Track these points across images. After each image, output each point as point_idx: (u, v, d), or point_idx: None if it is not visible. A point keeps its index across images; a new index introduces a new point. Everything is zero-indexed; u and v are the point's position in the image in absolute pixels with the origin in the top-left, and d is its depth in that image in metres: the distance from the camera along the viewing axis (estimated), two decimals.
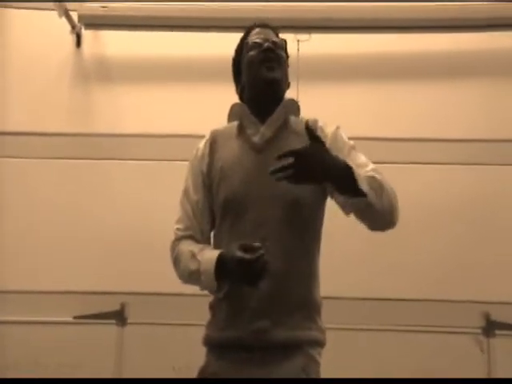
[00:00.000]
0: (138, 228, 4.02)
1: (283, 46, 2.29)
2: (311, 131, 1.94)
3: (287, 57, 2.32)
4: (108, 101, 4.25)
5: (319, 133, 2.08)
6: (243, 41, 2.31)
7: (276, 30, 2.33)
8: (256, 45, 2.23)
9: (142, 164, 4.09)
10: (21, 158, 4.17)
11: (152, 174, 4.08)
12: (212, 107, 3.99)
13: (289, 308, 2.07)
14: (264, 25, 2.32)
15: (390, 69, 4.22)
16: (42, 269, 4.04)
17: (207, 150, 2.24)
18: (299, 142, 2.02)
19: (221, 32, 4.11)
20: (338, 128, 2.25)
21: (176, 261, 2.18)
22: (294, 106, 2.27)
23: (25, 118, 4.19)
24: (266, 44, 2.21)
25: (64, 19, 4.12)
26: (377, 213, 2.06)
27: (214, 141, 2.26)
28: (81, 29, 4.26)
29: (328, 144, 2.08)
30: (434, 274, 3.99)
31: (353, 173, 1.96)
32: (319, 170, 1.94)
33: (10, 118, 4.20)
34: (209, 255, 2.08)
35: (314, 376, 2.08)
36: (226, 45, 4.11)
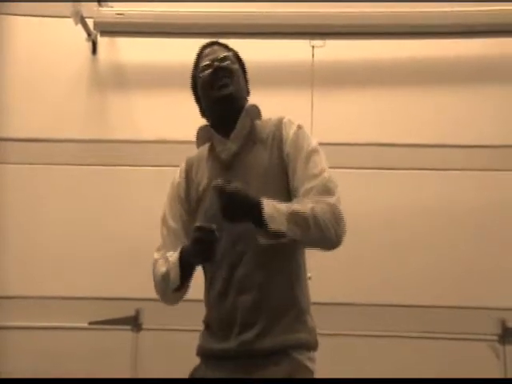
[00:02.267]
0: (153, 234, 4.01)
1: (233, 57, 2.33)
2: (218, 190, 1.96)
3: (242, 65, 2.37)
4: (124, 107, 4.26)
5: (283, 130, 2.19)
6: (196, 65, 2.35)
7: (224, 45, 2.38)
8: (206, 67, 2.27)
9: (158, 170, 4.09)
10: (38, 164, 4.19)
11: (168, 181, 4.08)
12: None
13: (274, 316, 2.10)
14: (212, 43, 2.38)
15: (405, 75, 4.22)
16: (58, 275, 4.06)
17: (183, 176, 2.32)
18: (265, 149, 2.18)
19: (236, 38, 4.09)
20: (299, 128, 2.24)
21: (154, 279, 2.32)
22: (255, 111, 2.29)
23: (42, 124, 4.22)
24: (215, 64, 2.24)
25: (80, 26, 4.14)
26: (308, 244, 2.12)
27: (189, 167, 2.33)
28: (96, 36, 4.28)
29: (288, 145, 2.16)
30: (449, 281, 3.97)
31: (264, 219, 1.97)
32: (239, 212, 1.98)
33: (26, 125, 4.23)
34: (175, 253, 2.19)
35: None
36: (242, 51, 4.19)
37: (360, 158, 4.11)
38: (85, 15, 4.13)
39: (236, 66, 2.30)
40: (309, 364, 2.13)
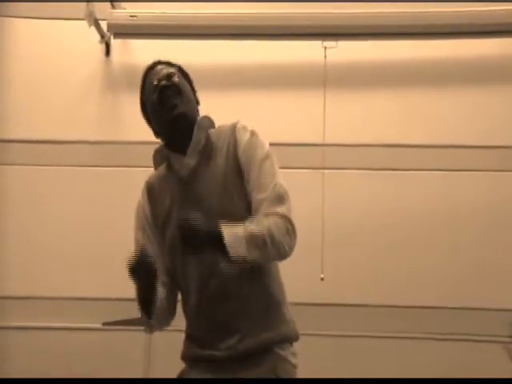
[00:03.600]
0: None
1: (178, 72, 2.32)
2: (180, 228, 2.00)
3: (188, 78, 2.37)
4: (136, 109, 4.21)
5: (237, 135, 2.19)
6: (142, 87, 2.35)
7: (167, 62, 2.37)
8: (152, 86, 2.27)
9: None
10: (49, 165, 4.21)
11: None
12: (238, 114, 4.04)
13: (253, 319, 2.12)
14: (154, 64, 2.35)
15: (418, 76, 4.21)
16: (71, 275, 4.08)
17: (146, 200, 2.33)
18: (221, 158, 2.19)
19: (250, 40, 4.12)
20: (253, 135, 2.22)
21: None
22: (208, 122, 2.30)
23: (55, 126, 4.24)
24: (162, 83, 2.23)
25: (93, 29, 4.16)
26: (265, 261, 2.13)
27: (150, 189, 2.33)
28: (110, 38, 4.29)
29: (241, 151, 2.17)
30: (462, 282, 3.97)
31: (223, 245, 1.98)
32: (200, 246, 2.01)
33: (39, 127, 4.25)
34: None
35: (285, 376, 2.12)
36: (254, 52, 4.21)
37: (371, 160, 4.11)
38: (98, 17, 4.14)
39: (182, 81, 2.29)
40: (291, 359, 2.17)
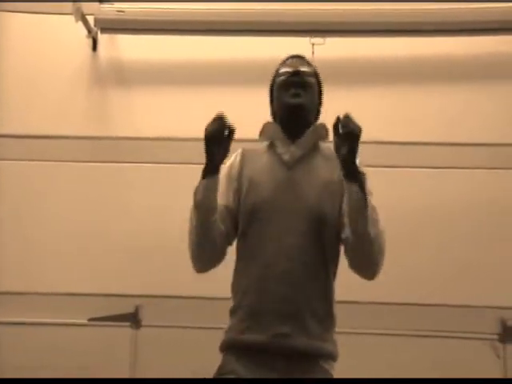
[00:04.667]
0: (153, 231, 4.04)
1: (313, 73, 2.40)
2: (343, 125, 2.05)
3: (320, 85, 2.43)
4: (124, 104, 4.27)
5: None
6: (277, 71, 2.42)
7: (308, 61, 2.44)
8: (285, 72, 2.36)
9: (159, 167, 4.11)
10: (38, 160, 4.20)
11: (168, 178, 4.09)
12: (228, 111, 4.02)
13: (309, 316, 2.14)
14: (296, 56, 2.44)
15: (406, 72, 4.21)
16: (57, 271, 4.07)
17: (238, 160, 2.34)
18: (327, 166, 2.26)
19: (237, 36, 4.12)
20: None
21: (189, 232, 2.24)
22: (323, 131, 2.34)
23: (41, 121, 4.22)
24: (294, 70, 2.33)
25: (80, 23, 4.14)
26: (367, 236, 2.11)
27: (245, 155, 2.36)
28: (97, 33, 4.28)
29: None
30: (450, 279, 3.97)
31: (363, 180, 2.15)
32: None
33: (26, 122, 4.23)
34: None
35: None
36: (242, 48, 4.21)
37: (362, 156, 4.11)
38: (85, 12, 4.13)
39: (313, 81, 2.38)
40: (332, 373, 2.21)
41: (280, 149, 2.31)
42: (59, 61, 4.30)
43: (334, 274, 2.29)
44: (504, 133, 4.11)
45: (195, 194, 2.15)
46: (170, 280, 3.86)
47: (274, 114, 2.43)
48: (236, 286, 2.25)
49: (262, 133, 2.38)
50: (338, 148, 2.06)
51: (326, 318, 2.20)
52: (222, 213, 2.24)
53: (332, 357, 2.21)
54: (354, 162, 2.08)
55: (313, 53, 3.93)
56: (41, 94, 4.27)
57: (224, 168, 2.29)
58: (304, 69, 2.36)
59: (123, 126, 4.24)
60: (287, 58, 2.43)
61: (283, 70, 2.37)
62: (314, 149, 2.32)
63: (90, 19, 4.21)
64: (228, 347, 2.20)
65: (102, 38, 4.32)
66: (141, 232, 4.04)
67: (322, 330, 2.16)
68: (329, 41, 4.03)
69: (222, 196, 2.25)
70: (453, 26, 4.08)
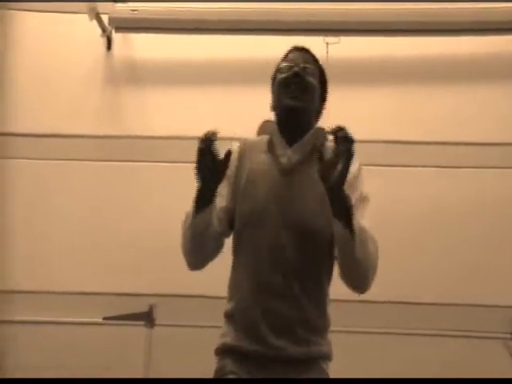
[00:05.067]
0: (167, 230, 4.01)
1: (316, 72, 2.29)
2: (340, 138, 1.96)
3: (324, 83, 2.33)
4: (138, 103, 4.27)
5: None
6: (284, 57, 2.32)
7: (313, 56, 2.33)
8: (286, 67, 2.26)
9: (172, 166, 4.10)
10: (51, 159, 4.21)
11: (182, 177, 4.05)
12: (242, 110, 4.04)
13: (304, 328, 2.12)
14: (302, 48, 2.33)
15: (419, 71, 4.20)
16: (72, 270, 4.09)
17: (236, 155, 2.26)
18: None
19: (251, 34, 4.12)
20: (361, 168, 2.24)
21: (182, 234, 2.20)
22: (322, 136, 2.24)
23: (56, 120, 4.23)
24: (295, 69, 2.22)
25: (94, 22, 4.15)
26: (354, 261, 2.04)
27: (243, 150, 2.29)
28: (111, 32, 4.29)
29: (348, 180, 2.00)
30: (462, 279, 3.97)
31: (350, 208, 1.98)
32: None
33: (40, 121, 4.24)
34: None
35: None
36: (255, 47, 4.20)
37: (372, 156, 4.10)
38: (100, 11, 4.14)
39: (314, 81, 2.26)
40: (328, 372, 2.20)
41: (278, 150, 2.24)
42: (73, 60, 4.31)
43: (329, 282, 2.23)
44: None
45: (186, 218, 2.14)
46: (184, 279, 3.81)
47: (273, 108, 2.32)
48: (231, 290, 2.23)
49: (259, 131, 2.33)
50: (323, 173, 1.94)
51: (321, 325, 2.18)
52: (220, 214, 2.19)
53: (328, 357, 2.21)
54: (341, 190, 1.94)
55: (327, 52, 3.93)
56: (55, 92, 4.28)
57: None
58: (307, 65, 2.25)
59: (136, 125, 4.25)
60: (290, 51, 2.33)
61: (285, 64, 2.27)
62: (312, 153, 2.20)
63: (105, 18, 4.22)
64: (225, 352, 2.19)
65: (116, 37, 4.33)
66: (154, 231, 4.05)
67: (317, 338, 2.15)
68: (343, 40, 4.03)
69: (220, 196, 2.18)
70: (467, 26, 4.06)
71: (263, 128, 2.32)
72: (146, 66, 4.31)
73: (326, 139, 2.24)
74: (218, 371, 2.19)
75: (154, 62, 4.32)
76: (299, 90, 2.20)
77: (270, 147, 2.27)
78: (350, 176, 2.00)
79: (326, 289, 2.21)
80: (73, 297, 4.03)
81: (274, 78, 2.33)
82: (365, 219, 2.10)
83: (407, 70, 4.21)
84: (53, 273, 4.09)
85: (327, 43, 3.99)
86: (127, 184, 4.17)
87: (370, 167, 4.01)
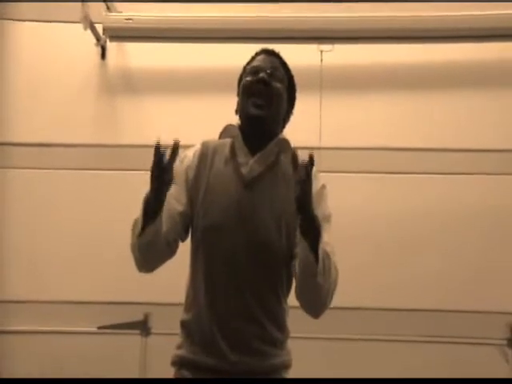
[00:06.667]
0: None
1: (284, 78, 2.20)
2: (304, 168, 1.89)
3: (292, 88, 2.25)
4: (132, 112, 4.27)
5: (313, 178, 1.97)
6: (252, 59, 2.26)
7: (282, 60, 2.25)
8: (253, 70, 2.18)
9: None
10: (46, 169, 4.21)
11: None
12: (237, 118, 4.04)
13: (261, 342, 2.07)
14: (271, 52, 2.26)
15: (413, 79, 4.21)
16: (66, 279, 4.08)
17: (196, 162, 2.19)
18: (285, 186, 2.08)
19: (246, 43, 4.11)
20: (323, 187, 2.18)
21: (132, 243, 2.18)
22: (286, 146, 2.18)
23: (50, 129, 4.23)
24: (261, 74, 2.14)
25: (89, 32, 4.15)
26: (315, 286, 1.96)
27: (205, 154, 2.20)
28: (106, 41, 4.29)
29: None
30: (457, 285, 3.97)
31: (319, 231, 1.93)
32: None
33: (34, 130, 4.24)
34: None
35: None
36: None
37: (367, 163, 4.11)
38: (94, 20, 4.14)
39: (281, 87, 2.17)
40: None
41: (240, 157, 2.15)
42: (68, 69, 4.32)
43: (287, 294, 2.17)
44: None
45: (135, 226, 2.11)
46: (180, 287, 3.84)
47: (237, 112, 2.23)
48: (188, 300, 2.19)
49: (222, 135, 2.29)
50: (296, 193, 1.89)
51: (280, 338, 2.12)
52: (175, 218, 2.12)
53: (287, 367, 2.16)
54: (312, 211, 1.90)
55: (321, 60, 3.94)
56: (49, 102, 4.28)
57: (181, 166, 2.17)
58: (274, 71, 2.16)
59: (131, 134, 4.24)
60: (259, 53, 2.25)
61: (251, 66, 2.20)
62: (274, 164, 2.15)
63: (99, 28, 4.22)
64: (182, 365, 2.14)
65: (111, 47, 4.34)
66: None
67: (276, 350, 2.10)
68: (337, 48, 4.04)
69: (177, 199, 2.13)
70: (462, 33, 4.08)
71: (226, 131, 2.29)
72: (140, 75, 4.32)
73: (288, 151, 2.14)
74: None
75: (148, 71, 4.33)
76: (264, 98, 2.11)
77: (232, 153, 2.18)
78: (314, 196, 1.95)
79: (283, 302, 2.15)
80: (68, 306, 4.03)
81: (240, 80, 2.25)
82: (328, 244, 2.01)
83: (401, 78, 4.22)
84: (47, 282, 4.08)
85: (321, 51, 4.01)
86: (121, 193, 4.16)
87: (365, 174, 4.09)
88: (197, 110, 4.20)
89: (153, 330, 4.01)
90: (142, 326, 3.99)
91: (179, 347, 2.16)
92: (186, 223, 2.16)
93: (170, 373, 2.24)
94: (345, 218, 4.09)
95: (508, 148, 4.09)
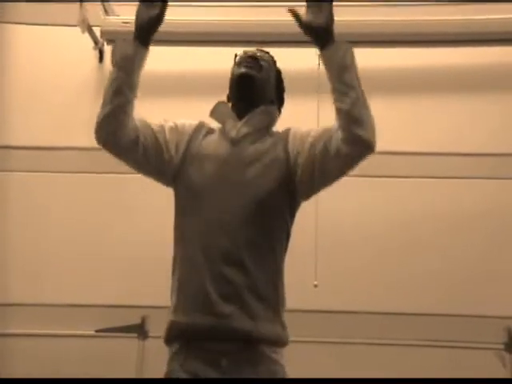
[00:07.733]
0: (159, 242, 4.01)
1: (271, 64, 2.37)
2: None
3: (280, 83, 2.42)
4: None
5: (290, 133, 2.22)
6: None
7: (268, 54, 2.41)
8: (240, 56, 2.34)
9: None
10: (44, 172, 4.21)
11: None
12: None
13: (252, 297, 2.06)
14: (262, 50, 2.42)
15: (411, 83, 4.23)
16: (64, 283, 4.09)
17: (191, 129, 2.31)
18: (275, 146, 2.20)
19: (246, 47, 4.09)
20: (290, 128, 2.28)
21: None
22: (273, 115, 2.33)
23: (48, 132, 4.25)
24: (248, 53, 2.32)
25: (87, 35, 4.16)
26: (358, 113, 2.22)
27: (199, 129, 2.32)
28: (103, 44, 4.30)
29: (291, 137, 2.20)
30: (456, 289, 3.98)
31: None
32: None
33: (32, 133, 4.25)
34: None
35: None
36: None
37: (366, 166, 4.10)
38: (91, 24, 4.15)
39: (268, 67, 2.33)
40: (282, 361, 2.12)
41: (228, 126, 2.27)
42: (66, 72, 4.33)
43: (282, 254, 2.20)
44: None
45: (114, 53, 2.24)
46: None
47: (228, 98, 2.40)
48: (178, 261, 2.19)
49: (212, 112, 2.36)
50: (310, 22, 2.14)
51: (272, 299, 2.11)
52: (151, 137, 2.29)
53: (280, 342, 2.12)
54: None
55: (319, 64, 3.93)
56: (47, 105, 4.29)
57: (177, 123, 2.35)
58: (262, 55, 2.35)
59: None
60: (247, 51, 2.40)
61: (240, 55, 2.35)
62: (264, 132, 2.27)
63: (97, 31, 4.23)
64: (174, 332, 2.15)
65: (108, 50, 4.33)
66: (147, 243, 4.05)
67: (267, 312, 2.08)
68: None
69: (160, 136, 2.29)
70: (461, 37, 4.10)
71: (216, 108, 2.36)
72: None
73: (274, 121, 2.32)
74: (167, 375, 2.19)
75: (145, 74, 4.29)
76: (253, 65, 2.27)
77: (222, 129, 2.30)
78: (291, 135, 2.20)
79: (278, 260, 2.18)
80: (65, 309, 4.03)
81: (231, 77, 2.37)
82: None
83: (400, 82, 4.23)
84: (45, 285, 4.09)
85: (319, 55, 4.00)
86: (119, 196, 4.17)
87: (365, 178, 4.09)
88: (195, 113, 4.17)
89: (150, 334, 3.99)
90: (140, 330, 3.97)
91: (172, 312, 2.16)
92: (154, 151, 2.27)
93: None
94: (344, 221, 4.11)
95: (508, 152, 4.10)
